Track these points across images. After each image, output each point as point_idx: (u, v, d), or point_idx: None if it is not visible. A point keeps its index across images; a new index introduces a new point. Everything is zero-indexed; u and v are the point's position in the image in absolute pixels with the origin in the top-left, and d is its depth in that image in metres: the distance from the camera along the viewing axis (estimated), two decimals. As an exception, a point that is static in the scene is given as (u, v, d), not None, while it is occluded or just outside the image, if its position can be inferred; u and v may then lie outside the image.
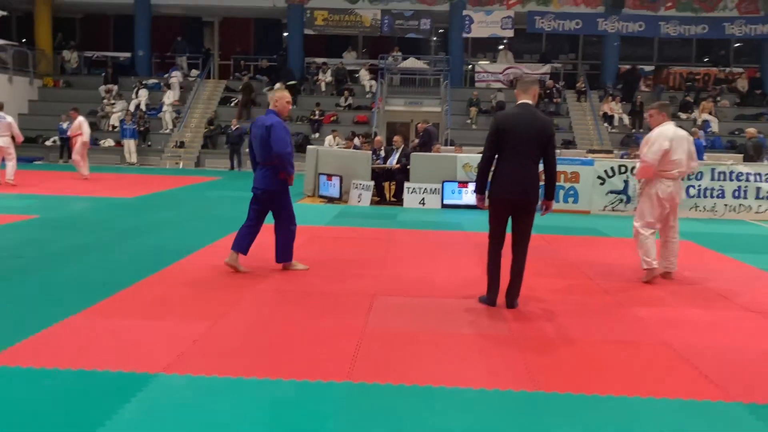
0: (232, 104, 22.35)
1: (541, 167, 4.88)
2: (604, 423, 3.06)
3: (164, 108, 21.42)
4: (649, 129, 6.12)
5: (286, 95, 6.01)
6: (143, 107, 21.53)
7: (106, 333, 4.08)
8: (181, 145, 20.37)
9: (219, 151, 20.42)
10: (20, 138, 13.01)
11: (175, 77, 22.34)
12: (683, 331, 4.54)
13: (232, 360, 3.68)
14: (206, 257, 6.55)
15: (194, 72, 23.84)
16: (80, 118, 14.32)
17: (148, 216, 9.30)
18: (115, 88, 22.47)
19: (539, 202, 4.95)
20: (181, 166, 19.75)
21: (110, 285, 5.22)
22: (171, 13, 24.51)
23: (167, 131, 21.14)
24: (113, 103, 21.77)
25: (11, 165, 12.45)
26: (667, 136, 5.85)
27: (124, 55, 25.08)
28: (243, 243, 5.92)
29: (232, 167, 19.22)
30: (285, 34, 24.81)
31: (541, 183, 4.93)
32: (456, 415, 3.09)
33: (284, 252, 6.06)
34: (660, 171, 5.86)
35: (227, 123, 20.40)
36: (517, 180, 4.76)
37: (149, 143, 20.86)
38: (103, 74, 23.19)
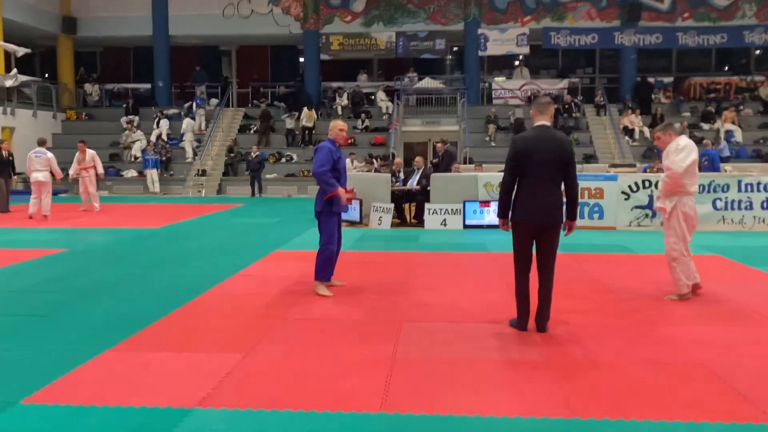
0: (252, 131, 22.62)
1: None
2: (645, 450, 3.01)
3: (185, 137, 21.73)
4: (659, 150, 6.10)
5: (339, 124, 6.31)
6: (165, 137, 21.86)
7: (139, 367, 4.12)
8: (203, 173, 20.62)
9: (240, 178, 20.63)
10: (59, 174, 13.44)
11: (202, 108, 22.73)
12: (718, 349, 4.46)
13: (265, 392, 3.69)
14: (234, 286, 6.60)
15: (213, 101, 24.19)
16: (92, 152, 14.59)
17: (174, 246, 9.40)
18: (136, 118, 22.86)
19: (563, 223, 4.92)
20: (203, 194, 19.97)
21: (141, 318, 5.27)
22: (189, 43, 24.97)
23: (188, 160, 21.42)
24: (134, 134, 22.12)
25: (47, 200, 12.81)
26: (694, 147, 5.81)
27: (144, 86, 25.57)
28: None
29: (253, 193, 19.40)
30: (301, 59, 25.11)
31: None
32: (493, 444, 3.06)
33: (316, 271, 6.23)
34: (684, 184, 5.79)
35: (247, 150, 20.64)
36: (541, 203, 4.75)
37: (171, 173, 21.15)
38: (124, 105, 23.63)
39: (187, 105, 23.69)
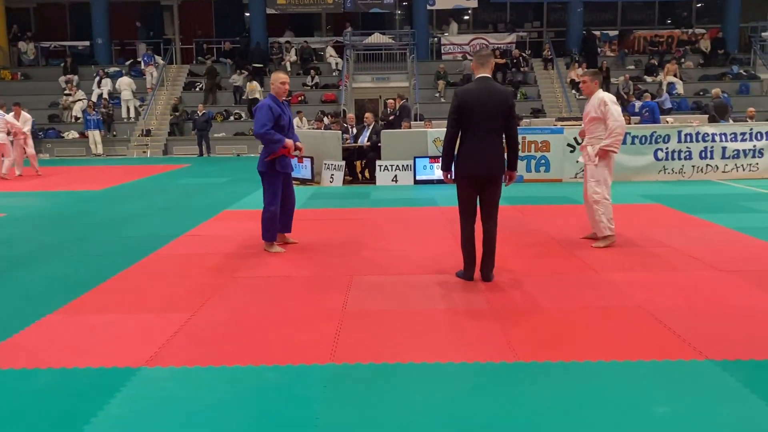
0: (197, 89, 22.02)
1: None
2: (582, 388, 3.14)
3: (122, 96, 20.97)
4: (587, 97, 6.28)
5: (281, 77, 6.08)
6: (106, 96, 21.10)
7: (84, 330, 4.05)
8: (148, 133, 20.04)
9: (186, 137, 20.13)
10: (20, 131, 13.31)
11: (151, 65, 21.84)
12: (655, 293, 4.65)
13: (213, 349, 3.69)
14: (182, 247, 6.51)
15: (157, 58, 23.34)
16: (27, 115, 14.05)
17: (118, 208, 9.18)
18: (75, 78, 21.95)
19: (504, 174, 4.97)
20: (148, 154, 19.45)
21: (85, 281, 5.16)
22: (128, -2, 23.95)
23: (130, 120, 20.76)
24: (73, 94, 21.26)
25: (7, 162, 12.92)
26: (614, 101, 6.07)
27: (83, 43, 24.47)
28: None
29: (201, 153, 18.99)
30: (247, 14, 24.40)
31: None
32: (438, 389, 3.15)
33: (263, 232, 6.19)
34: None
35: (193, 108, 20.11)
36: (483, 155, 4.80)
37: (114, 133, 20.48)
38: (62, 64, 22.63)
39: (128, 63, 22.84)
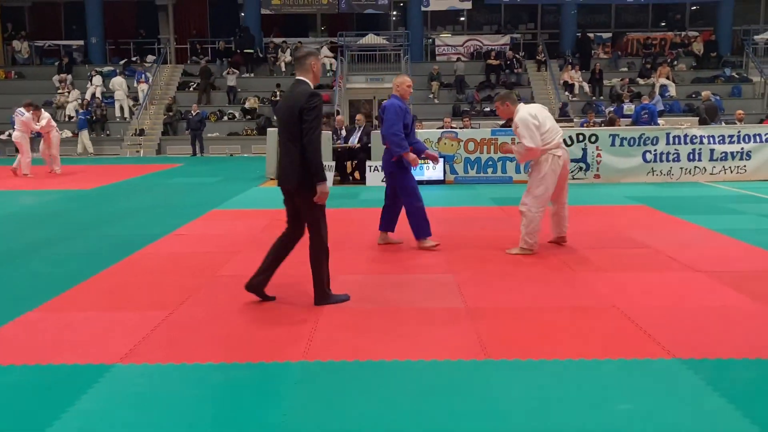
0: (191, 89, 22.05)
1: None
2: (549, 384, 3.18)
3: (116, 96, 20.92)
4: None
5: (406, 80, 6.17)
6: (99, 95, 21.10)
7: (62, 327, 4.09)
8: (141, 133, 20.05)
9: (180, 137, 20.15)
10: (36, 129, 13.47)
11: (145, 84, 21.49)
12: (631, 293, 4.70)
13: (188, 347, 3.73)
14: (167, 246, 6.54)
15: (150, 57, 23.40)
16: (47, 115, 14.04)
17: (108, 207, 9.21)
18: (69, 77, 21.96)
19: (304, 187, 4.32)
20: (141, 154, 19.46)
21: (68, 279, 5.20)
22: (123, -3, 23.97)
23: (124, 119, 20.76)
24: (66, 93, 21.24)
25: (24, 159, 13.28)
26: (530, 112, 5.80)
27: (77, 43, 24.48)
28: (382, 221, 6.40)
29: (194, 153, 19.01)
30: (242, 14, 24.44)
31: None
32: (407, 385, 3.19)
33: (415, 232, 6.18)
34: (544, 147, 5.78)
35: (187, 108, 20.14)
36: (280, 165, 4.44)
37: (108, 132, 20.49)
38: (56, 63, 22.63)
39: (122, 62, 22.85)
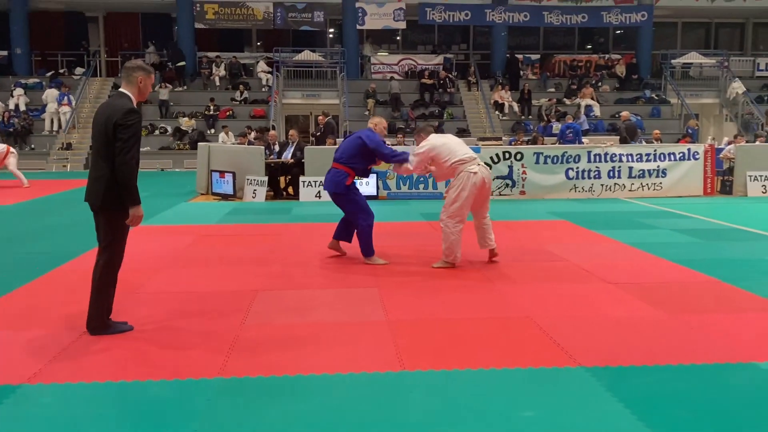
0: (122, 102, 21.50)
1: None
2: (460, 394, 3.29)
3: (47, 108, 20.23)
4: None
5: (384, 122, 6.81)
6: (23, 107, 20.34)
7: (-32, 348, 3.94)
8: (68, 147, 19.43)
9: (110, 151, 19.58)
10: None
11: (68, 106, 20.42)
12: (546, 304, 4.89)
13: (101, 366, 3.66)
14: (87, 263, 6.35)
15: (79, 69, 22.77)
16: None
17: (29, 223, 8.89)
18: (-9, 88, 21.12)
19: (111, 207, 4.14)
20: (68, 169, 18.85)
21: (-23, 298, 5.01)
22: (51, 8, 23.27)
23: (50, 133, 20.07)
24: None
25: None
26: (432, 142, 6.22)
27: (1, 53, 23.59)
28: (338, 231, 6.66)
29: (124, 168, 18.50)
30: (175, 28, 24.12)
31: None
32: (322, 400, 3.23)
33: (363, 250, 6.35)
34: (459, 165, 6.05)
35: (117, 122, 19.61)
36: (89, 177, 4.19)
37: (32, 146, 19.76)
38: (-23, 74, 21.74)
39: (49, 74, 22.14)
